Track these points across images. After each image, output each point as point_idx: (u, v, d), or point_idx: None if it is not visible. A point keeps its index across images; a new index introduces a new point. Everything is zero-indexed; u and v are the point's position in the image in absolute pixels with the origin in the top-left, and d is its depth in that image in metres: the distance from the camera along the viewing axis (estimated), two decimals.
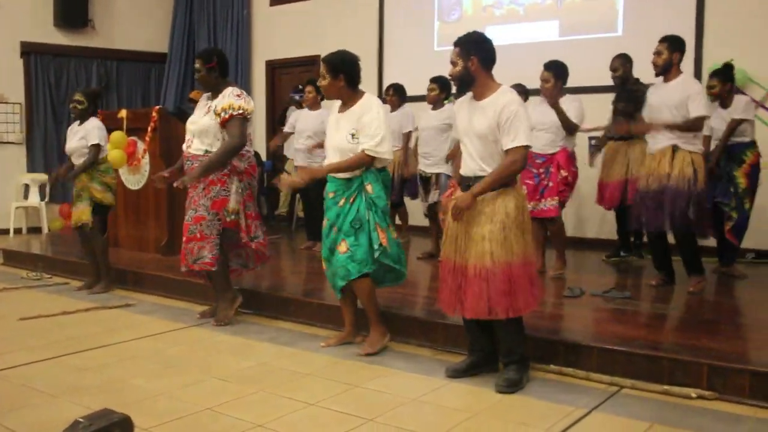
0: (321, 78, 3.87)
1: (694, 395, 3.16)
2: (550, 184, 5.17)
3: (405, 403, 3.15)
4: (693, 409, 3.07)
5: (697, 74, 6.35)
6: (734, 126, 5.32)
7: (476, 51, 3.29)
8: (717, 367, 3.21)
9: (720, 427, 2.88)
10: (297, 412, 3.06)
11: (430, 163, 6.08)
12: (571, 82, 5.28)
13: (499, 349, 3.45)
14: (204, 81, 4.48)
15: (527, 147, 3.25)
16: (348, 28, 8.75)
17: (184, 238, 4.46)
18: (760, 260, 6.14)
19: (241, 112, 4.33)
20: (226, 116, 4.31)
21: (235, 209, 4.42)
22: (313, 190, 6.06)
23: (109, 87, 10.00)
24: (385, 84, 7.52)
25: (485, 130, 3.26)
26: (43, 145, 9.53)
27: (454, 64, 3.34)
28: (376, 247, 3.77)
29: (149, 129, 6.48)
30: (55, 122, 9.59)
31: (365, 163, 3.75)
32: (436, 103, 6.12)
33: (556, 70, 5.16)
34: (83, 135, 5.55)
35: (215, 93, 4.45)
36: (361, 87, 3.88)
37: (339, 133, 3.83)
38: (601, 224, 7.01)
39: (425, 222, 6.57)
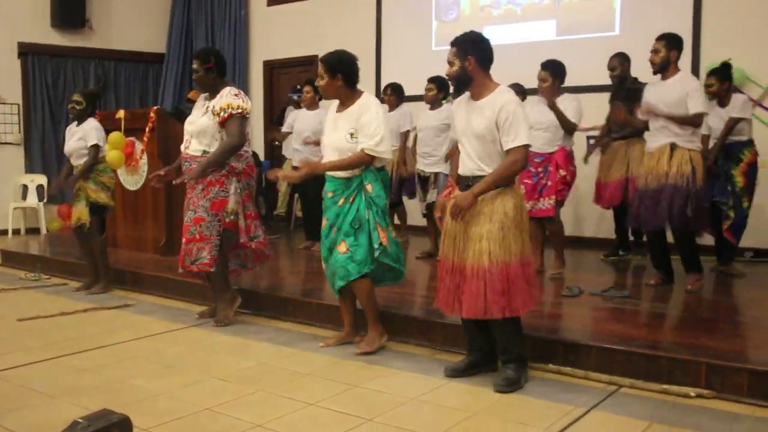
0: (319, 78, 3.87)
1: (692, 394, 3.16)
2: (549, 183, 5.18)
3: (404, 403, 3.15)
4: (691, 408, 3.07)
5: (695, 73, 6.33)
6: (732, 125, 5.32)
7: (473, 51, 3.28)
8: (715, 366, 3.22)
9: (718, 425, 2.88)
10: (296, 412, 3.06)
11: (428, 163, 6.09)
12: (568, 82, 5.28)
13: (496, 347, 3.45)
14: (201, 81, 4.46)
15: (527, 146, 3.25)
16: (346, 28, 8.75)
17: (183, 240, 4.45)
18: (758, 259, 6.15)
19: (240, 111, 4.33)
20: (225, 115, 4.31)
21: (234, 210, 4.42)
22: (311, 190, 6.07)
23: (106, 87, 9.98)
24: (383, 83, 7.52)
25: (483, 130, 3.26)
26: (41, 146, 9.52)
27: (451, 63, 3.34)
28: (376, 246, 3.77)
29: (147, 129, 6.49)
30: (53, 123, 9.58)
31: (364, 163, 3.75)
32: (434, 103, 6.12)
33: (554, 70, 5.17)
34: (81, 136, 5.55)
35: (213, 93, 4.44)
36: (359, 86, 3.88)
37: (337, 133, 3.83)
38: (599, 223, 7.01)
39: (424, 222, 6.57)
